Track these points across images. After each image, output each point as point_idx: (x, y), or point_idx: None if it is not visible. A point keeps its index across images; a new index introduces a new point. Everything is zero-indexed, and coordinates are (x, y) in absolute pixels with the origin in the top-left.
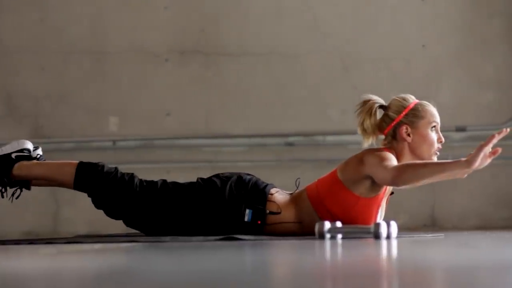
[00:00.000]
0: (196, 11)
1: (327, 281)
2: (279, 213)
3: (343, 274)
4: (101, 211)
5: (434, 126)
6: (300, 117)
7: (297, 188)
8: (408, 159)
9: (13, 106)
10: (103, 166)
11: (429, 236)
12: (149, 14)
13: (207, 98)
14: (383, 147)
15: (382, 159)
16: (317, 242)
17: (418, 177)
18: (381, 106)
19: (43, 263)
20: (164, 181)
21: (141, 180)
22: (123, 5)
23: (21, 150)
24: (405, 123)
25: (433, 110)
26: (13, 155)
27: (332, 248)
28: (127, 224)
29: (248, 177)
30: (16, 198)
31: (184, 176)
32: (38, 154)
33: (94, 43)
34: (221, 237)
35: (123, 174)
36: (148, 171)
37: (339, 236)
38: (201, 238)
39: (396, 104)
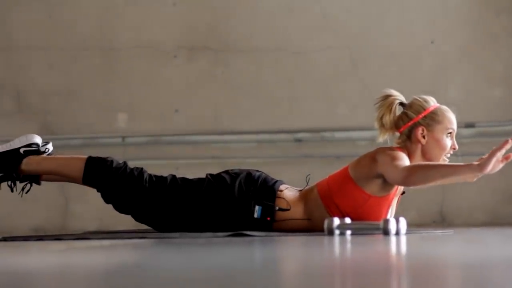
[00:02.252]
0: (205, 7)
1: (336, 278)
2: (288, 209)
3: (352, 270)
4: (110, 207)
5: (450, 133)
6: (309, 113)
7: (307, 184)
8: (418, 160)
9: (22, 102)
10: (112, 161)
11: (438, 232)
12: (157, 11)
13: (215, 94)
14: (396, 146)
15: (394, 158)
16: (326, 238)
17: (428, 179)
18: (401, 103)
19: (52, 260)
20: (174, 176)
21: (150, 175)
22: (131, 1)
23: (30, 145)
24: (422, 125)
25: (451, 116)
26: (22, 150)
27: (341, 244)
28: (136, 219)
29: (258, 173)
30: (26, 192)
31: (192, 172)
32: (46, 149)
33: (103, 40)
34: (230, 233)
35: (132, 169)
36: (156, 168)
37: (348, 232)
38: (210, 234)
39: (417, 104)
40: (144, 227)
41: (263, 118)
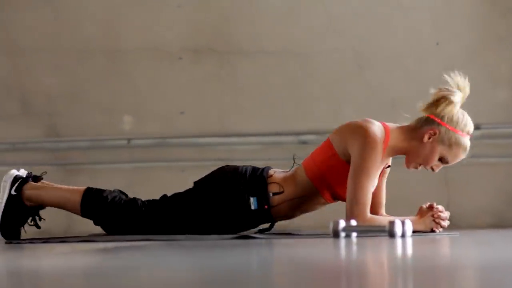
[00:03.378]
0: (210, 9)
1: (342, 280)
2: (282, 192)
3: (358, 272)
4: None
5: (445, 161)
6: (314, 115)
7: (294, 163)
8: (405, 144)
9: (27, 105)
10: (107, 195)
11: (444, 234)
12: (162, 12)
13: (221, 96)
14: (402, 125)
15: (361, 169)
16: (332, 241)
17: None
18: None
19: (58, 262)
20: (164, 195)
21: (142, 200)
22: (137, 3)
23: (13, 182)
24: (440, 132)
25: (461, 155)
26: (13, 192)
27: (347, 246)
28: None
29: (244, 167)
30: (39, 220)
31: (198, 174)
32: (27, 172)
33: (108, 42)
34: (235, 235)
35: (126, 200)
36: (162, 170)
37: (354, 234)
38: (215, 236)
39: (457, 118)
40: None
41: (268, 120)
